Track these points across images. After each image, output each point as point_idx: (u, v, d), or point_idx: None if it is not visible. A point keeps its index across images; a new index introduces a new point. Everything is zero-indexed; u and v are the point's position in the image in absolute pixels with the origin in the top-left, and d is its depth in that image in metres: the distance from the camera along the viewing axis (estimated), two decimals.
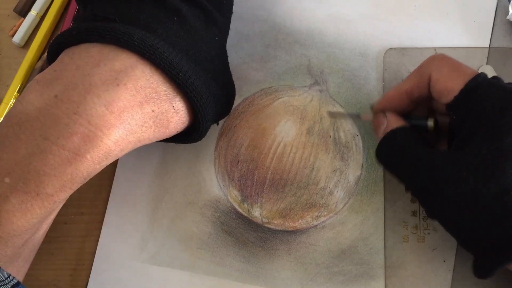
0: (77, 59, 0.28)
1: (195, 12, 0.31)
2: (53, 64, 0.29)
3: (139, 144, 0.30)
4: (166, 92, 0.29)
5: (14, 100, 0.38)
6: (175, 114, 0.30)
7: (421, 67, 0.32)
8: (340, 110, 0.37)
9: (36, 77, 0.29)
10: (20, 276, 0.30)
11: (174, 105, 0.29)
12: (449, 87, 0.29)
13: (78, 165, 0.27)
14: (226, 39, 0.35)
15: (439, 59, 0.31)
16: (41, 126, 0.27)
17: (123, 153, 0.29)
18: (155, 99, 0.28)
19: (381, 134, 0.32)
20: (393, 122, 0.32)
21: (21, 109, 0.27)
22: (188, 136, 0.33)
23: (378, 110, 0.34)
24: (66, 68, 0.28)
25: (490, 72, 0.37)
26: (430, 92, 0.31)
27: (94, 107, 0.27)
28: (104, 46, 0.28)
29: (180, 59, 0.29)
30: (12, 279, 0.27)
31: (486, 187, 0.27)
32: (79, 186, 0.29)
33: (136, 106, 0.28)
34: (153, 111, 0.29)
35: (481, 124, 0.28)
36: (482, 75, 0.29)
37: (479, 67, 0.37)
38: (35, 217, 0.27)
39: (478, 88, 0.28)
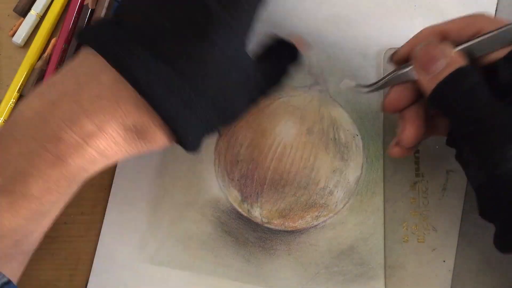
0: (80, 67, 0.29)
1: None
2: (66, 66, 0.30)
3: (129, 155, 0.30)
4: (149, 110, 0.28)
5: (14, 100, 0.38)
6: (157, 130, 0.29)
7: (471, 16, 0.30)
8: (350, 84, 0.34)
9: (50, 77, 0.30)
10: (14, 279, 0.30)
11: (155, 122, 0.29)
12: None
13: (62, 169, 0.27)
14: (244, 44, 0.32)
15: (491, 18, 0.29)
16: (34, 128, 0.27)
17: (112, 160, 0.30)
18: (136, 116, 0.28)
19: (439, 71, 0.28)
20: (458, 59, 0.28)
21: (22, 109, 0.28)
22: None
23: (402, 55, 0.31)
24: (67, 73, 0.29)
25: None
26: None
27: (77, 117, 0.27)
28: (100, 57, 0.28)
29: (174, 97, 0.28)
30: (3, 277, 0.27)
31: None
32: (68, 191, 0.30)
33: (117, 121, 0.28)
34: (134, 126, 0.28)
35: None
36: None
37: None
38: (22, 218, 0.28)
39: None
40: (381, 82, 0.33)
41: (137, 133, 0.29)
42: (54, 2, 0.40)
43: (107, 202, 0.37)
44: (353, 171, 0.37)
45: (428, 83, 0.29)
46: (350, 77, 0.38)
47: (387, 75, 0.32)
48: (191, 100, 0.29)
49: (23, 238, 0.29)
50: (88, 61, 0.29)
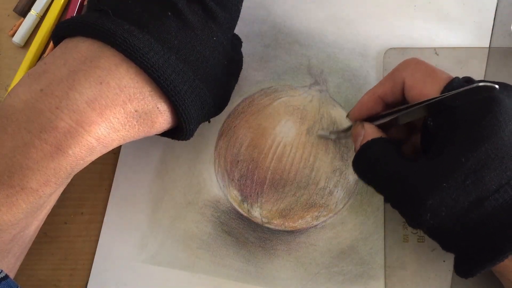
0: (67, 53, 0.28)
1: (193, 7, 0.30)
2: (45, 57, 0.29)
3: (123, 142, 0.30)
4: (152, 93, 0.28)
5: None
6: (160, 115, 0.29)
7: (393, 72, 0.31)
8: (325, 133, 0.37)
9: (29, 70, 0.29)
10: (11, 274, 0.30)
11: (159, 106, 0.29)
12: (424, 93, 0.29)
13: (61, 160, 0.27)
14: (229, 37, 0.34)
15: (413, 63, 0.30)
16: (26, 119, 0.26)
17: (108, 149, 0.29)
18: (140, 99, 0.28)
19: (358, 146, 0.31)
20: (370, 133, 0.31)
21: (10, 102, 0.27)
22: (176, 134, 0.32)
23: (354, 117, 0.33)
24: (55, 62, 0.28)
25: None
26: (405, 97, 0.31)
27: (75, 103, 0.26)
28: (93, 42, 0.28)
29: (166, 60, 0.28)
30: (0, 272, 0.27)
31: (464, 196, 0.27)
32: (65, 181, 0.29)
33: (119, 105, 0.28)
34: (136, 111, 0.28)
35: (458, 131, 0.28)
36: (456, 80, 0.29)
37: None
38: (21, 212, 0.27)
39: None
40: (346, 132, 0.36)
41: (139, 118, 0.29)
42: (54, 2, 0.40)
43: (107, 202, 0.37)
44: (353, 171, 0.37)
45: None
46: (350, 77, 0.38)
47: (347, 128, 0.36)
48: (196, 86, 0.30)
49: (21, 232, 0.29)
50: (79, 48, 0.28)
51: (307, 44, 0.39)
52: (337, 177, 0.36)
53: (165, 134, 0.33)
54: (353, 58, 0.39)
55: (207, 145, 0.38)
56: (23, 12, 0.40)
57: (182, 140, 0.32)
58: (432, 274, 0.35)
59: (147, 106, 0.28)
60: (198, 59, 0.30)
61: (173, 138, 0.33)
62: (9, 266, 0.30)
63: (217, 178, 0.37)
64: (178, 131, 0.32)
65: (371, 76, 0.38)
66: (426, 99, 0.29)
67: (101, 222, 0.37)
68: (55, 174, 0.27)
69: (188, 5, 0.30)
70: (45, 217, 0.31)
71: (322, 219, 0.36)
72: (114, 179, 0.38)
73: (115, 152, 0.38)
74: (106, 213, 0.37)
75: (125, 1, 0.29)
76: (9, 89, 0.39)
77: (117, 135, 0.29)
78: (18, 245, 0.30)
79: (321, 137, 0.37)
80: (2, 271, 0.27)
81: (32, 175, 0.27)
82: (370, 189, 0.36)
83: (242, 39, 0.37)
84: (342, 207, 0.36)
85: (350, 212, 0.36)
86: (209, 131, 0.38)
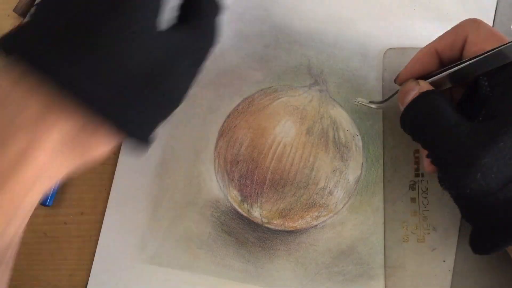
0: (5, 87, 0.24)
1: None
2: None
3: (70, 170, 0.27)
4: (84, 112, 0.25)
5: None
6: (98, 133, 0.26)
7: (456, 27, 0.31)
8: (364, 101, 0.37)
9: None
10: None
11: (94, 123, 0.26)
12: (486, 50, 0.29)
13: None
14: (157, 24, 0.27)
15: (478, 21, 0.30)
16: None
17: (54, 181, 0.26)
18: (73, 121, 0.25)
19: (409, 100, 0.30)
20: (425, 87, 0.30)
21: None
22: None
23: (405, 76, 0.33)
24: None
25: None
26: (462, 55, 0.30)
27: (6, 137, 0.24)
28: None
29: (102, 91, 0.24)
30: None
31: None
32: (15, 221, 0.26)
33: (53, 132, 0.25)
34: (69, 134, 0.25)
35: None
36: None
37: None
38: None
39: None
40: (389, 99, 0.36)
41: (74, 140, 0.25)
42: None
43: (107, 202, 0.37)
44: (353, 171, 0.37)
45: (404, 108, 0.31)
46: (350, 77, 0.38)
47: (394, 94, 0.35)
48: (134, 94, 0.26)
49: None
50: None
51: (307, 44, 0.39)
52: (337, 177, 0.36)
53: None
54: (353, 58, 0.39)
55: (207, 145, 0.38)
56: (23, 12, 0.40)
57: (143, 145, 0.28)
58: (432, 274, 0.35)
59: (81, 126, 0.26)
60: (129, 74, 0.26)
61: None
62: None
63: (217, 178, 0.37)
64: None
65: (371, 76, 0.38)
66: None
67: (101, 222, 0.37)
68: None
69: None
70: (21, 229, 0.27)
71: (322, 219, 0.36)
72: (114, 179, 0.38)
73: (115, 152, 0.38)
74: (106, 213, 0.37)
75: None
76: None
77: (60, 163, 0.26)
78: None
79: (358, 104, 0.37)
80: None
81: None
82: (370, 189, 0.36)
83: (242, 39, 0.37)
84: (342, 207, 0.36)
85: (350, 212, 0.36)
86: (209, 131, 0.38)
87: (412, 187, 0.36)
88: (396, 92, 0.34)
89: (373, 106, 0.36)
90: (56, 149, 0.25)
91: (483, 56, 0.29)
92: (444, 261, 0.35)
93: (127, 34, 0.25)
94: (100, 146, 0.27)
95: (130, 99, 0.26)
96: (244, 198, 0.37)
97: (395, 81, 0.34)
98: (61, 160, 0.26)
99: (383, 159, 0.37)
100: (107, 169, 0.38)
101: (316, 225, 0.36)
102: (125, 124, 0.26)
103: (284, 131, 0.37)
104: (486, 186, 0.27)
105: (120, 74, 0.25)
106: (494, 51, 0.28)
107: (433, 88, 0.31)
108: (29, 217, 0.27)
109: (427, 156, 0.30)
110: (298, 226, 0.36)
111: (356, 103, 0.36)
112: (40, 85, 0.24)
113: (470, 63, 0.29)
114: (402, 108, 0.31)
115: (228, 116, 0.38)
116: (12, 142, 0.24)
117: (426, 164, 0.31)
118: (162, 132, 0.38)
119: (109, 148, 0.27)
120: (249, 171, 0.37)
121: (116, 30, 0.25)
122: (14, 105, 0.24)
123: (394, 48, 0.38)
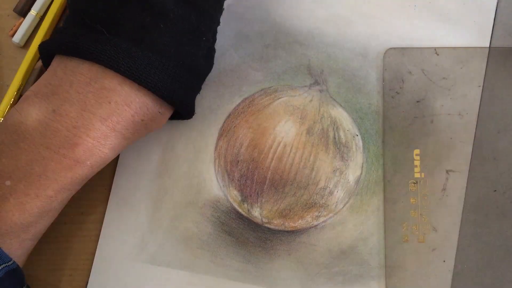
0: (70, 75, 0.30)
1: (185, 13, 0.31)
2: (47, 75, 0.31)
3: (131, 143, 0.33)
4: (153, 102, 0.31)
5: (14, 100, 0.38)
6: (162, 117, 0.33)
7: None
8: None
9: (33, 88, 0.31)
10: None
11: (160, 111, 0.32)
12: None
13: (79, 170, 0.30)
14: (216, 30, 0.35)
15: None
16: (42, 137, 0.29)
17: (117, 154, 0.32)
18: (144, 111, 0.31)
19: None
20: None
21: (20, 119, 0.30)
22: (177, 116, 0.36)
23: None
24: (61, 83, 0.30)
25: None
26: None
27: (91, 123, 0.29)
28: (92, 64, 0.30)
29: (165, 71, 0.30)
30: (12, 263, 0.29)
31: None
32: (78, 187, 0.32)
33: (128, 119, 0.30)
34: (142, 120, 0.31)
35: None
36: None
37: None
38: (33, 216, 0.29)
39: None
40: None
41: (145, 125, 0.32)
42: (54, 2, 0.40)
43: (107, 202, 0.37)
44: (353, 171, 0.37)
45: None
46: (350, 77, 0.38)
47: None
48: (191, 85, 0.33)
49: (29, 231, 0.30)
50: (81, 70, 0.30)
51: (307, 44, 0.39)
52: (337, 177, 0.36)
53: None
54: (353, 58, 0.39)
55: (207, 145, 0.38)
56: (23, 12, 0.40)
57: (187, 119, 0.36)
58: (432, 274, 0.35)
59: (151, 114, 0.31)
60: (193, 61, 0.32)
61: (177, 119, 0.36)
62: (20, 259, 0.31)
63: (217, 178, 0.37)
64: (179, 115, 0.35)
65: (371, 76, 0.38)
66: None
67: (101, 222, 0.37)
68: (72, 182, 0.30)
69: (180, 12, 0.30)
70: (54, 218, 0.32)
71: (322, 219, 0.36)
72: (114, 179, 0.38)
73: None
74: (106, 213, 0.37)
75: (114, 16, 0.30)
76: (9, 89, 0.39)
77: (127, 142, 0.32)
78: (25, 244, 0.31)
79: None
80: (13, 262, 0.29)
81: (49, 184, 0.29)
82: (370, 189, 0.36)
83: (242, 39, 0.37)
84: (342, 207, 0.36)
85: (350, 212, 0.36)
86: (209, 131, 0.38)
87: (412, 187, 0.36)
88: None
89: None
90: (131, 131, 0.31)
91: None
92: (444, 261, 0.35)
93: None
94: (159, 126, 0.33)
95: (194, 95, 0.34)
96: (244, 198, 0.37)
97: None
98: (130, 140, 0.32)
99: (383, 159, 0.37)
100: (107, 169, 0.38)
101: (316, 225, 0.36)
102: (190, 111, 0.34)
103: (284, 131, 0.37)
104: None
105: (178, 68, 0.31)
106: None
107: None
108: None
109: None
110: (298, 226, 0.36)
111: None
112: (140, 89, 0.30)
113: None
114: None
115: (228, 116, 0.38)
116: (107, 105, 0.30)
117: None
118: (162, 132, 0.38)
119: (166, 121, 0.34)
120: (249, 171, 0.37)
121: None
122: (115, 103, 0.30)
123: (394, 48, 0.38)
